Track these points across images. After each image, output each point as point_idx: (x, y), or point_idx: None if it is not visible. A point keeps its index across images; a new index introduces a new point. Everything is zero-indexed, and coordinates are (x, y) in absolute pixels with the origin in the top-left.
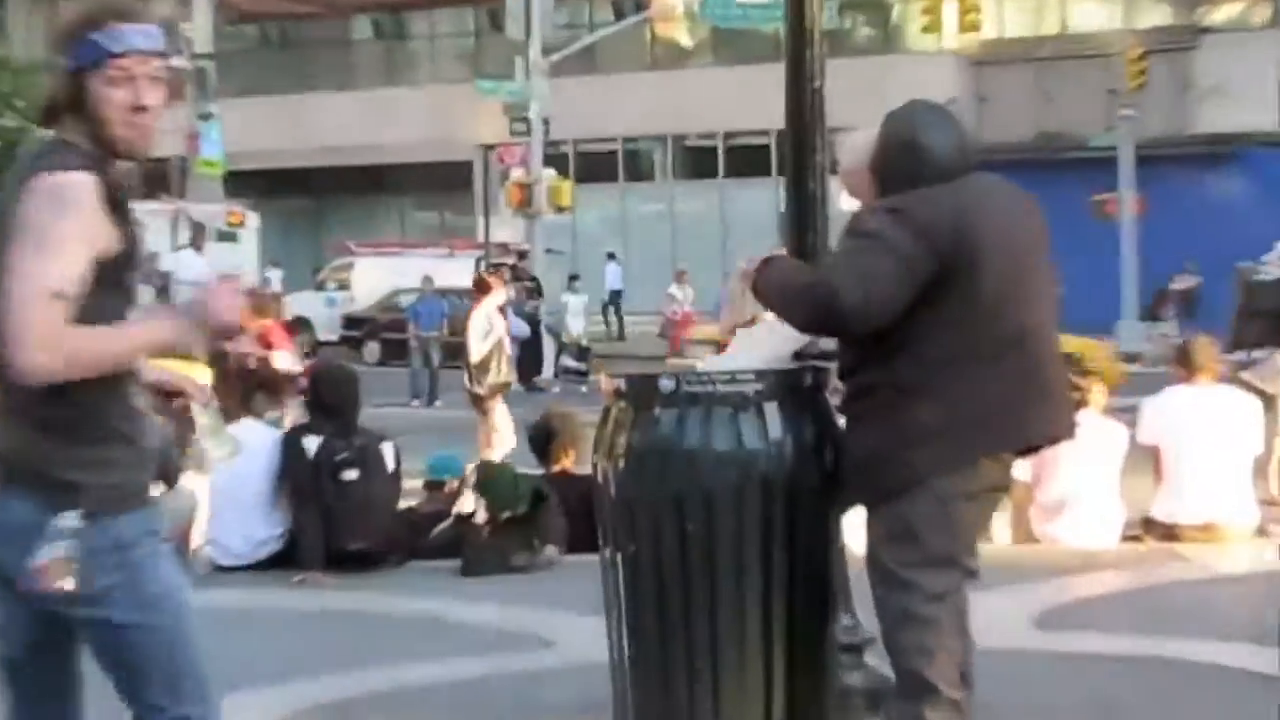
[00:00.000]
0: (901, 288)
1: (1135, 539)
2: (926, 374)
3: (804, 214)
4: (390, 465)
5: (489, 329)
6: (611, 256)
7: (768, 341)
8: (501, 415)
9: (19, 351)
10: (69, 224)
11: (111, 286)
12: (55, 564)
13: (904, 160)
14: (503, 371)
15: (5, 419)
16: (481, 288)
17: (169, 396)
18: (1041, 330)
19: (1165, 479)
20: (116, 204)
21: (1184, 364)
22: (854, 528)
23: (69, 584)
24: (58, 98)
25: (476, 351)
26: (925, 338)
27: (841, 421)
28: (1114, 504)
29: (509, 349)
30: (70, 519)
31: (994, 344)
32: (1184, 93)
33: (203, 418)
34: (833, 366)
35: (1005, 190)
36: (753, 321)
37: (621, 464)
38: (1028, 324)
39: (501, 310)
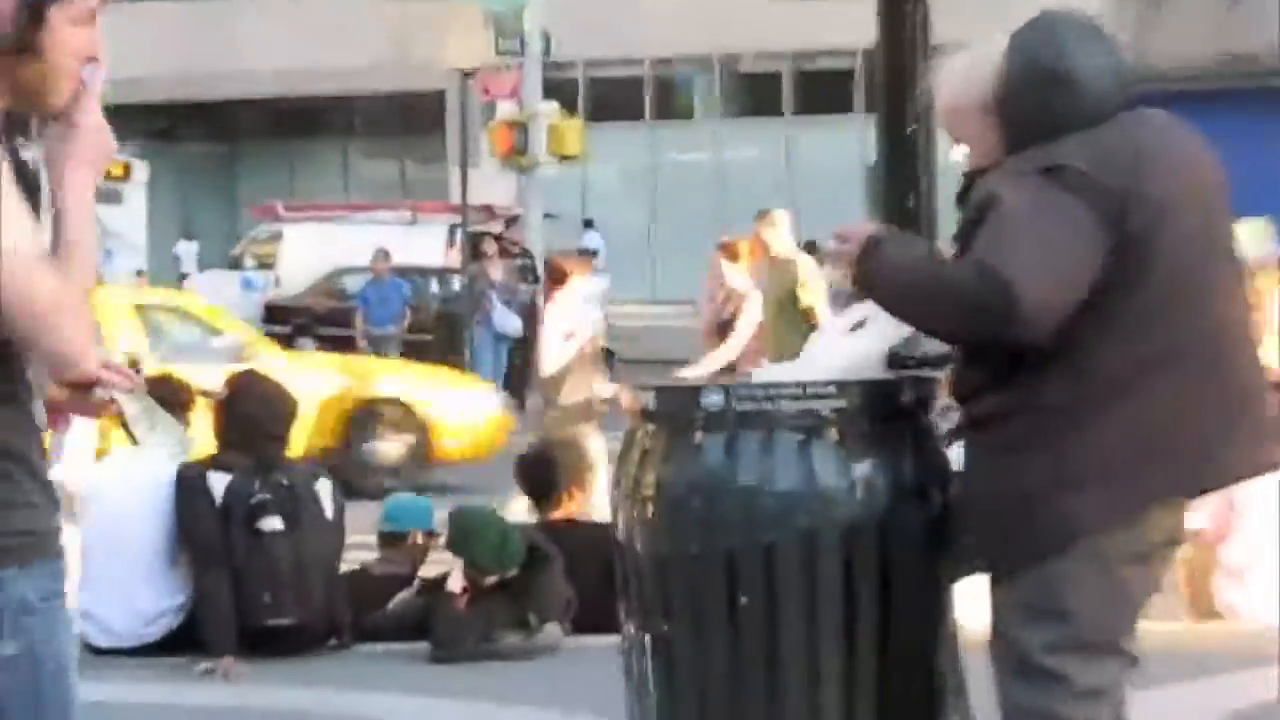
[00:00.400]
0: (1086, 276)
1: None
2: (1086, 392)
3: (901, 167)
4: (329, 511)
5: (570, 331)
6: (589, 225)
7: (852, 339)
8: (597, 448)
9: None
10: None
11: None
12: None
13: (1044, 96)
14: (585, 387)
15: None
16: (557, 275)
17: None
18: (1233, 325)
19: None
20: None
21: None
22: (970, 598)
23: None
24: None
25: (552, 361)
26: (1084, 342)
27: (955, 454)
28: None
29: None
30: None
31: (1173, 347)
32: None
33: (132, 405)
34: (940, 377)
35: (1178, 133)
36: (731, 320)
37: (651, 510)
38: (1216, 318)
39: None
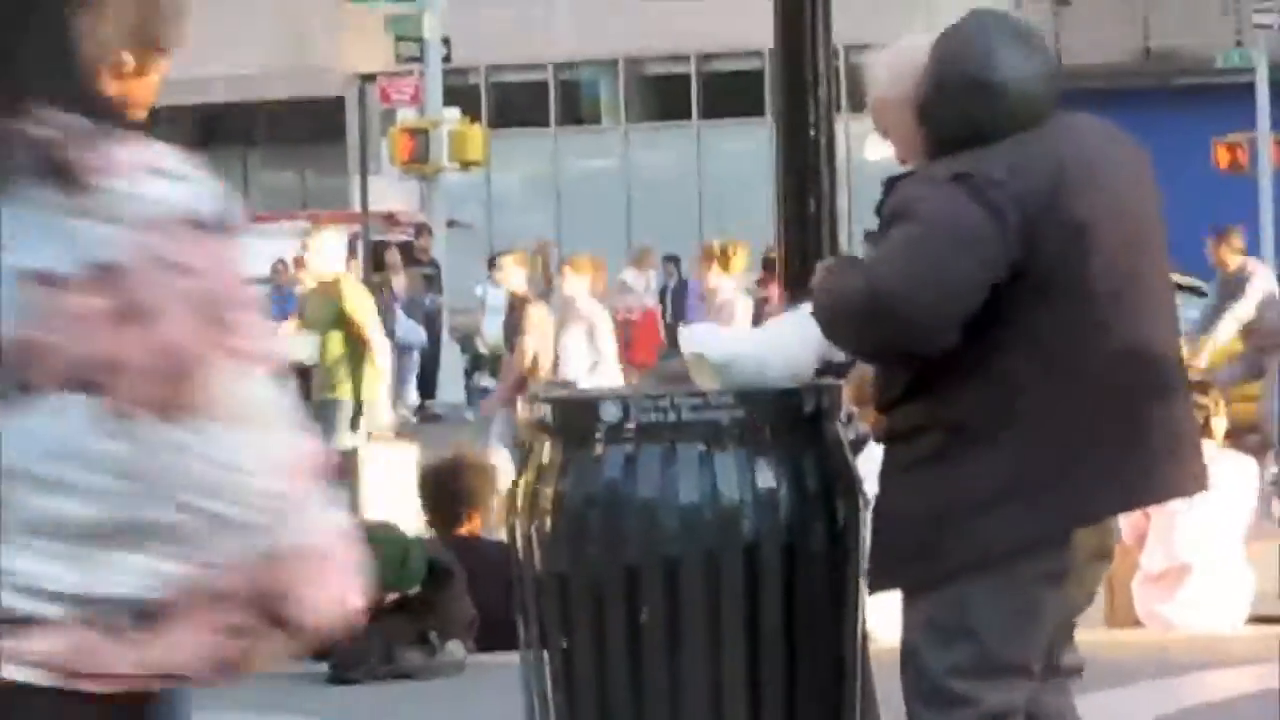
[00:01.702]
0: (972, 287)
1: (1272, 620)
2: (1002, 409)
3: (802, 170)
4: None
5: None
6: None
7: (788, 339)
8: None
9: None
10: None
11: None
12: None
13: (966, 103)
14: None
15: None
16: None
17: None
18: (1162, 342)
19: None
20: None
21: None
22: (884, 610)
23: None
24: None
25: None
26: (1001, 359)
27: (864, 465)
28: (1241, 571)
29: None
30: None
31: (1100, 365)
32: None
33: None
34: (843, 385)
35: (1107, 137)
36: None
37: (549, 525)
38: (1144, 334)
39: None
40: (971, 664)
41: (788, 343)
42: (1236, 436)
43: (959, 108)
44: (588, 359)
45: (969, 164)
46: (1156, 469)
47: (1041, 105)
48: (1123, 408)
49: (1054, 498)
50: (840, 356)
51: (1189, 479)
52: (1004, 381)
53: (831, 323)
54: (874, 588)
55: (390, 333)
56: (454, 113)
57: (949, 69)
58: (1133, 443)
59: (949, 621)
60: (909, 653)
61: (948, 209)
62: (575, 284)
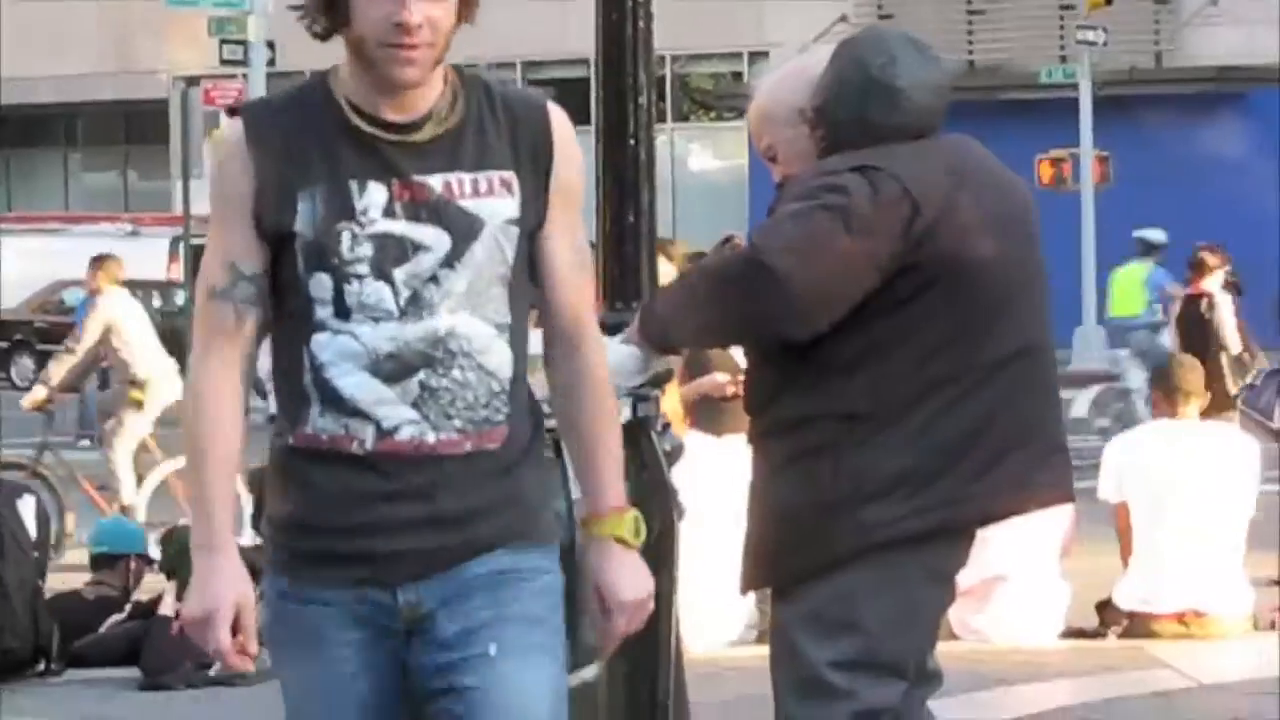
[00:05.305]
0: (860, 276)
1: (1087, 634)
2: (890, 402)
3: (621, 179)
4: (32, 530)
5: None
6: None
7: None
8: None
9: None
10: None
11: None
12: None
13: (868, 103)
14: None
15: None
16: (1200, 268)
17: None
18: (1041, 352)
19: (1136, 550)
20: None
21: (1163, 390)
22: (697, 619)
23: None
24: None
25: (1236, 345)
26: (888, 353)
27: (679, 475)
28: (1055, 583)
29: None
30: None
31: (981, 367)
32: (1165, 11)
33: None
34: (659, 395)
35: (989, 159)
36: None
37: None
38: (1024, 342)
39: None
40: (854, 658)
41: (618, 350)
42: None
43: (858, 109)
44: None
45: (867, 159)
46: (1029, 477)
47: (935, 116)
48: (1002, 412)
49: (939, 493)
50: (651, 368)
51: (1056, 490)
52: (893, 375)
53: (698, 298)
54: (750, 585)
55: None
56: None
57: (851, 71)
58: (1011, 447)
59: (833, 614)
60: (784, 648)
61: (842, 193)
62: None
